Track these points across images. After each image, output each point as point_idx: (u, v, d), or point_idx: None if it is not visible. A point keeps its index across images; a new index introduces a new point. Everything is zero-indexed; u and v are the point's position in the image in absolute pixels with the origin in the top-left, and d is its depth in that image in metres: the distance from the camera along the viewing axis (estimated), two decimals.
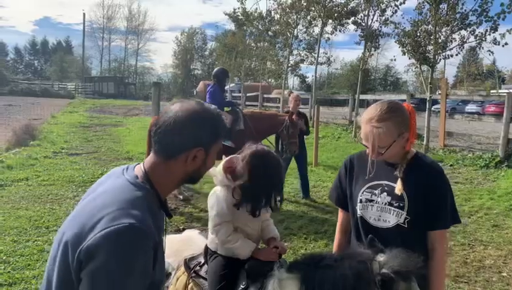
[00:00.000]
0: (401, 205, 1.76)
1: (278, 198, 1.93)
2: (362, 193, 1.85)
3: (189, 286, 1.91)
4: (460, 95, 19.88)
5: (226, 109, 6.70)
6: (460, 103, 30.69)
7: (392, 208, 1.78)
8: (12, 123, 13.79)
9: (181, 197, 6.51)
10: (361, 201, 1.84)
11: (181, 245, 2.17)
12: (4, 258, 4.12)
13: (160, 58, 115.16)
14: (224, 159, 1.96)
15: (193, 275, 1.94)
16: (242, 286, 1.77)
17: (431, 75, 11.01)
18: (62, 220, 5.20)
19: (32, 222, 5.15)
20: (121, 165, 5.64)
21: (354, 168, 1.95)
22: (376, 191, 1.83)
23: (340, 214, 2.08)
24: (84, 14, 55.99)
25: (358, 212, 1.85)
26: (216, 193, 1.90)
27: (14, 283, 3.66)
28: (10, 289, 3.54)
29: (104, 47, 61.48)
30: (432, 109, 10.94)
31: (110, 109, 24.91)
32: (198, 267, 1.97)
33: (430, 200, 1.75)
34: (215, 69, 7.19)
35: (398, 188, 1.77)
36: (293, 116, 6.37)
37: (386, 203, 1.79)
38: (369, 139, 1.75)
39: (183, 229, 4.32)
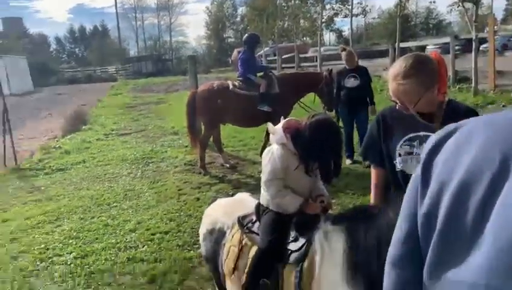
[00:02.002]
0: None
1: (333, 169, 1.97)
2: (400, 146, 1.83)
3: (243, 242, 2.05)
4: (511, 30, 18.47)
5: (258, 74, 6.69)
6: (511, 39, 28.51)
7: None
8: (64, 111, 14.56)
9: (227, 165, 6.71)
10: (400, 155, 1.83)
11: (233, 206, 2.33)
12: (74, 234, 4.52)
13: (194, 31, 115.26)
14: (283, 120, 2.03)
15: (246, 231, 2.08)
16: (291, 238, 1.88)
17: (476, 13, 10.29)
18: (120, 197, 5.58)
19: (94, 200, 5.56)
20: (168, 140, 5.86)
21: (387, 123, 1.92)
22: (415, 143, 1.81)
23: (375, 171, 2.05)
24: None
25: (398, 166, 1.84)
26: (272, 150, 1.98)
27: (85, 255, 4.02)
28: (84, 261, 3.90)
29: (138, 26, 62.33)
30: (480, 48, 10.30)
31: (151, 88, 25.48)
32: (250, 224, 2.10)
33: None
34: (245, 35, 7.15)
35: None
36: (332, 72, 6.31)
37: None
38: (396, 95, 1.73)
39: (233, 195, 4.49)
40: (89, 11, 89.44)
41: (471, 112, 1.79)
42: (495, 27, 10.54)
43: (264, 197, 2.03)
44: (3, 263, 4.02)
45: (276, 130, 1.98)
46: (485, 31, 11.81)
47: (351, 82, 5.96)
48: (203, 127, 6.71)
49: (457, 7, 11.61)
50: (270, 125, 2.11)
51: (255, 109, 6.24)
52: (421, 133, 1.81)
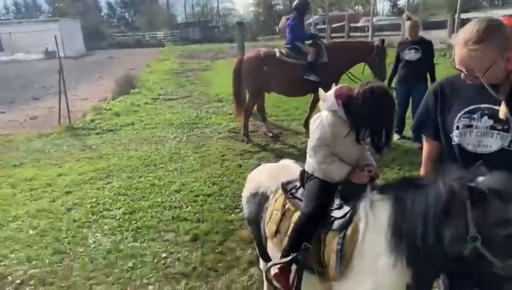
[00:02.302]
0: (505, 127, 1.65)
1: (384, 138, 1.92)
2: (459, 119, 1.75)
3: (286, 206, 2.08)
4: None
5: (307, 42, 6.56)
6: None
7: (495, 132, 1.67)
8: (114, 74, 15.06)
9: (270, 134, 6.73)
10: (457, 128, 1.74)
11: (278, 171, 2.35)
12: (123, 191, 4.77)
13: None
14: (335, 86, 2.00)
15: (290, 196, 2.11)
16: (336, 206, 1.88)
17: None
18: (166, 159, 5.78)
19: (142, 161, 5.80)
20: (213, 106, 5.94)
21: (445, 94, 1.82)
22: (475, 116, 1.71)
23: (427, 144, 1.97)
24: None
25: (455, 139, 1.76)
26: (321, 116, 1.97)
27: (133, 211, 4.25)
28: (131, 217, 4.14)
29: None
30: None
31: (198, 54, 25.70)
32: (294, 190, 2.12)
33: None
34: (295, 1, 6.98)
35: (503, 111, 1.63)
36: (384, 42, 6.13)
37: (487, 127, 1.69)
38: (464, 63, 1.63)
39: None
40: None
41: None
42: None
43: (310, 164, 2.03)
44: (59, 213, 4.34)
45: (328, 97, 1.95)
46: None
47: (411, 54, 5.61)
48: (248, 95, 6.74)
49: None
50: (321, 91, 2.08)
51: (302, 78, 6.16)
52: (483, 106, 1.71)
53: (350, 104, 1.89)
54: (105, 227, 3.98)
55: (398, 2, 48.51)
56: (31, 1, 62.41)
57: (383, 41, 6.17)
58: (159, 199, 4.49)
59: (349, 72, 6.36)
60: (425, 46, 5.62)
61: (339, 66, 6.18)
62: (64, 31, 28.56)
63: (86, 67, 20.94)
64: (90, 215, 4.24)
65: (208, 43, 36.49)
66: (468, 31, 1.63)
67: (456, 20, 13.17)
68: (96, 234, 3.87)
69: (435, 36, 15.01)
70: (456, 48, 1.66)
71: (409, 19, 5.87)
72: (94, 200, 4.60)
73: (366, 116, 1.85)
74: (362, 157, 2.04)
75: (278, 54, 6.36)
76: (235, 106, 6.82)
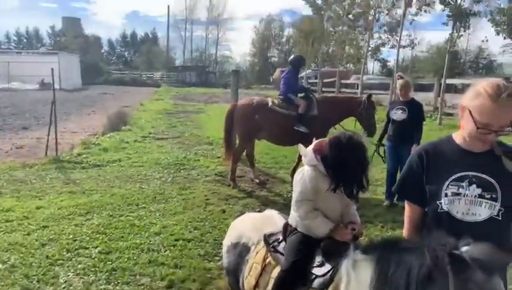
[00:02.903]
0: (494, 196, 1.66)
1: (358, 185, 1.93)
2: (447, 186, 1.73)
3: (267, 260, 2.01)
4: None
5: (299, 94, 6.70)
6: None
7: (484, 201, 1.67)
8: (107, 110, 15.10)
9: (257, 180, 6.69)
10: (446, 195, 1.72)
11: (261, 222, 2.30)
12: (102, 229, 4.61)
13: (239, 47, 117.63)
14: (314, 141, 2.01)
15: (271, 249, 2.04)
16: (317, 263, 1.83)
17: None
18: (149, 199, 5.66)
19: (125, 199, 5.67)
20: (202, 149, 5.92)
21: (430, 159, 1.80)
22: (463, 184, 1.70)
23: (409, 208, 1.91)
24: (168, 6, 59.37)
25: (444, 207, 1.73)
26: (303, 171, 1.96)
27: (110, 251, 4.08)
28: (107, 257, 3.96)
29: (187, 38, 64.12)
30: None
31: (192, 97, 26.09)
32: (276, 243, 2.07)
33: None
34: (292, 56, 7.24)
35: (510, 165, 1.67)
36: (371, 97, 6.28)
37: (475, 196, 1.68)
38: (498, 119, 1.60)
39: (260, 211, 4.45)
40: (142, 18, 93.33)
41: None
42: None
43: (293, 217, 2.00)
44: (32, 247, 4.14)
45: (307, 152, 1.97)
46: None
47: (398, 115, 5.55)
48: (238, 140, 6.77)
49: (511, 49, 11.27)
50: (301, 146, 2.09)
51: (292, 128, 6.23)
52: (470, 173, 1.70)
53: (325, 158, 1.91)
54: (79, 266, 3.80)
55: (388, 63, 50.55)
56: (34, 33, 63.56)
57: (368, 96, 6.31)
58: (138, 241, 4.34)
59: (340, 125, 6.46)
60: (414, 108, 5.54)
61: (328, 119, 6.29)
62: (63, 65, 28.95)
63: (80, 101, 21.01)
64: (64, 253, 4.06)
65: (203, 87, 37.16)
66: (494, 88, 1.62)
67: (442, 85, 13.70)
68: (69, 273, 3.68)
69: (423, 98, 15.52)
70: (480, 106, 1.63)
71: (400, 78, 5.83)
72: (71, 236, 4.42)
73: (336, 167, 1.86)
74: (347, 213, 2.01)
75: (270, 104, 6.49)
76: (225, 149, 6.84)
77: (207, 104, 21.48)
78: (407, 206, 1.94)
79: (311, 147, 1.98)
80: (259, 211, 4.73)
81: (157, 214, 5.14)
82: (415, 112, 5.52)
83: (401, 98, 5.68)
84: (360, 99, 6.50)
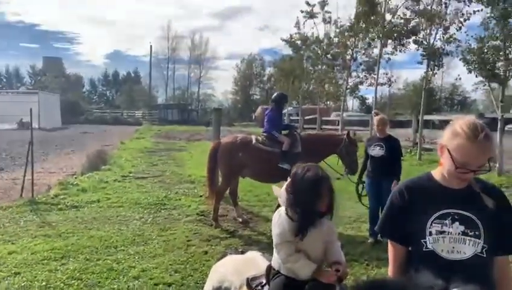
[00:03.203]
0: (477, 233, 1.67)
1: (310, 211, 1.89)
2: (431, 224, 1.71)
3: None
4: None
5: (284, 132, 6.76)
6: None
7: (467, 238, 1.67)
8: (87, 149, 14.88)
9: (240, 219, 6.59)
10: (431, 233, 1.70)
11: (243, 265, 2.22)
12: (78, 275, 4.41)
13: (221, 85, 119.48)
14: (288, 181, 1.99)
15: None
16: None
17: (502, 93, 10.35)
18: (128, 241, 5.48)
19: (103, 242, 5.47)
20: (183, 187, 5.83)
21: (411, 197, 1.79)
22: (446, 221, 1.69)
23: (393, 248, 1.88)
24: (151, 46, 59.94)
25: (429, 246, 1.71)
26: (280, 212, 1.93)
27: None
28: None
29: (169, 76, 64.94)
30: (506, 128, 10.23)
31: (174, 135, 26.05)
32: (259, 288, 2.00)
33: (504, 221, 1.68)
34: (274, 94, 7.36)
35: (490, 203, 1.68)
36: (351, 134, 6.36)
37: (459, 233, 1.68)
38: (476, 159, 1.62)
39: (243, 252, 4.35)
40: (124, 58, 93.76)
41: (500, 191, 1.76)
42: None
43: (276, 259, 1.95)
44: None
45: (282, 192, 1.95)
46: (510, 111, 11.80)
47: (376, 151, 5.59)
48: (221, 178, 6.71)
49: (483, 86, 11.75)
50: (274, 188, 2.08)
51: (276, 165, 6.23)
52: (452, 211, 1.71)
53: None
54: None
55: (367, 100, 51.89)
56: (14, 72, 63.29)
57: (348, 133, 6.39)
58: (115, 286, 4.15)
59: (324, 162, 6.47)
60: (391, 144, 5.59)
61: (311, 156, 6.27)
62: (42, 104, 28.76)
63: (59, 141, 20.69)
64: None
65: (185, 125, 37.24)
66: (472, 128, 1.63)
67: (419, 121, 14.08)
68: None
69: (401, 134, 15.89)
70: (459, 146, 1.64)
71: (376, 114, 5.94)
72: (44, 283, 4.20)
73: (293, 203, 1.85)
74: (331, 251, 1.97)
75: (254, 141, 6.54)
76: (208, 188, 6.76)
77: (189, 142, 21.44)
78: (390, 245, 1.91)
79: (284, 186, 1.96)
80: (242, 252, 4.63)
81: (137, 257, 4.96)
82: (393, 147, 5.60)
83: (378, 135, 5.73)
84: (341, 136, 6.57)
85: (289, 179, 1.96)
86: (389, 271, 1.89)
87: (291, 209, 1.88)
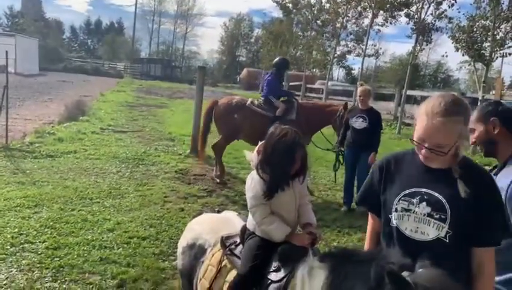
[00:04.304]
0: (443, 217, 1.59)
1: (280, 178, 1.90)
2: (398, 201, 1.67)
3: (223, 263, 1.97)
4: None
5: (282, 99, 6.72)
6: None
7: (432, 220, 1.60)
8: (65, 98, 14.48)
9: (218, 179, 6.63)
10: (396, 210, 1.67)
11: (219, 224, 2.25)
12: (51, 223, 4.39)
13: (207, 43, 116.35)
14: (259, 144, 1.99)
15: (228, 252, 2.01)
16: (273, 268, 1.81)
17: (485, 74, 10.48)
18: (104, 194, 5.46)
19: (78, 193, 5.43)
20: (163, 144, 5.79)
21: (390, 171, 1.76)
22: (414, 200, 1.65)
23: (371, 219, 1.92)
24: None
25: (393, 221, 1.69)
26: (252, 175, 1.94)
27: (58, 247, 3.89)
28: (55, 253, 3.77)
29: (154, 30, 62.90)
30: None
31: (156, 91, 25.58)
32: (233, 246, 2.03)
33: (481, 212, 1.58)
34: (276, 58, 7.28)
35: (463, 189, 1.58)
36: (347, 107, 6.20)
37: (425, 215, 1.61)
38: (429, 135, 1.56)
39: (219, 211, 4.40)
40: (108, 6, 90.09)
41: (485, 177, 1.67)
42: (502, 91, 10.69)
43: (251, 221, 1.97)
44: None
45: (253, 156, 1.95)
46: (491, 93, 11.99)
47: (358, 123, 5.57)
48: (219, 137, 6.82)
49: (468, 65, 11.84)
50: (246, 152, 2.08)
51: (266, 129, 6.16)
52: (423, 190, 1.65)
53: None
54: (24, 262, 3.59)
55: (353, 71, 51.85)
56: None
57: (345, 105, 6.26)
58: (89, 237, 4.16)
59: (321, 132, 6.50)
60: (373, 117, 5.59)
61: (306, 125, 6.13)
62: (20, 48, 27.52)
63: (36, 88, 20.03)
64: (8, 247, 3.82)
65: (168, 82, 36.53)
66: (435, 102, 1.58)
67: (402, 96, 14.19)
68: (12, 269, 3.47)
69: (384, 107, 16.03)
70: (420, 120, 1.60)
71: (361, 85, 5.94)
72: (16, 230, 4.17)
73: (266, 166, 1.86)
74: (304, 213, 2.00)
75: (248, 103, 6.60)
76: (200, 146, 6.95)
77: (171, 99, 21.12)
78: (370, 217, 1.94)
79: (255, 150, 1.97)
80: (218, 211, 4.68)
81: (112, 210, 4.96)
82: (375, 120, 5.62)
83: (360, 106, 5.70)
84: (337, 107, 6.43)
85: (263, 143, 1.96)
86: (367, 240, 1.94)
87: (262, 169, 1.89)
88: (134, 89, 25.67)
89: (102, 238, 4.17)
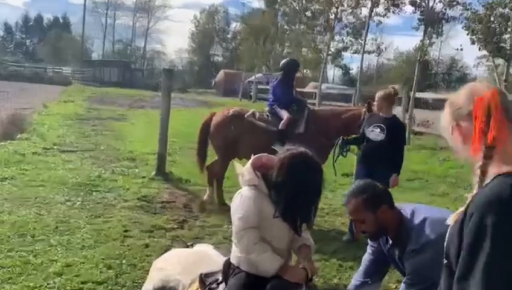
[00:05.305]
0: None
1: (303, 216, 1.99)
2: None
3: None
4: None
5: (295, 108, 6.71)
6: None
7: None
8: None
9: (194, 207, 6.64)
10: None
11: (193, 261, 2.24)
12: None
13: (174, 41, 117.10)
14: (252, 157, 2.02)
15: None
16: None
17: (506, 71, 10.79)
18: (50, 229, 5.38)
19: (17, 229, 5.33)
20: (121, 165, 5.76)
21: None
22: None
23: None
24: None
25: None
26: (241, 193, 1.95)
27: None
28: None
29: (108, 25, 62.93)
30: None
31: (113, 100, 25.50)
32: (215, 285, 2.02)
33: None
34: (283, 60, 7.31)
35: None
36: (371, 106, 5.86)
37: None
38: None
39: (191, 245, 4.38)
40: None
41: None
42: None
43: (235, 253, 1.97)
44: None
45: (246, 170, 1.98)
46: None
47: (374, 134, 5.38)
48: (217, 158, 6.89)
49: (486, 61, 12.19)
50: (236, 164, 2.11)
51: (268, 146, 6.06)
52: None
53: (271, 176, 1.92)
54: None
55: (350, 71, 52.68)
56: None
57: (369, 105, 5.97)
58: (32, 283, 4.08)
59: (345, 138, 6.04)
60: (394, 128, 5.40)
61: (317, 139, 6.06)
62: None
63: None
64: None
65: (127, 88, 36.47)
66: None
67: (410, 99, 14.34)
68: None
69: None
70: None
71: (393, 88, 5.67)
72: None
73: (282, 188, 1.88)
74: (297, 239, 2.03)
75: (247, 114, 6.61)
76: (198, 165, 7.03)
77: (131, 110, 21.10)
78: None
79: (249, 164, 1.99)
80: (191, 245, 4.65)
81: (60, 249, 4.88)
82: (394, 132, 5.38)
83: (381, 114, 5.51)
84: (359, 110, 6.31)
85: (258, 157, 1.98)
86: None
87: (274, 191, 1.94)
88: (86, 98, 25.54)
89: (48, 284, 4.09)
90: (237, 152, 6.64)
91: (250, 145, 6.33)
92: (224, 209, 6.49)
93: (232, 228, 1.99)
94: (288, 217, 1.94)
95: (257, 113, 6.71)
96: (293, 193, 1.89)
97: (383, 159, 5.33)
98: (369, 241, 2.81)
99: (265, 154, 2.04)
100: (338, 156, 5.91)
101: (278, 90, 6.84)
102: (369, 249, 2.88)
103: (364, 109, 6.14)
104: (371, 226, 2.38)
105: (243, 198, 1.94)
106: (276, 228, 1.94)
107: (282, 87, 6.87)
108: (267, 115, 6.70)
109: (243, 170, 1.99)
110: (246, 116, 6.59)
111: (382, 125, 5.37)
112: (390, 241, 2.52)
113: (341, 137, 5.85)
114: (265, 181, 1.95)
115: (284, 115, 6.54)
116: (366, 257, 2.91)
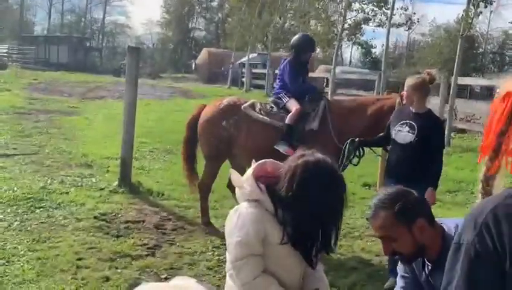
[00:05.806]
0: None
1: (323, 243, 2.02)
2: None
3: None
4: None
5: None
6: None
7: None
8: None
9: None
10: None
11: None
12: None
13: (142, 11, 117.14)
14: (254, 164, 2.02)
15: None
16: None
17: None
18: None
19: None
20: (73, 174, 5.78)
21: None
22: None
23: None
24: None
25: None
26: (239, 210, 1.94)
27: None
28: None
29: None
30: None
31: (61, 88, 25.49)
32: None
33: None
34: (295, 36, 7.32)
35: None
36: (402, 95, 5.71)
37: None
38: None
39: (166, 279, 4.38)
40: None
41: None
42: None
43: (231, 288, 1.98)
44: None
45: (245, 181, 1.97)
46: None
47: (402, 135, 5.17)
48: (204, 164, 6.90)
49: None
50: (233, 172, 2.10)
51: (270, 146, 6.16)
52: None
53: (278, 190, 1.92)
54: None
55: (373, 49, 52.71)
56: None
57: (402, 94, 5.76)
58: None
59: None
60: (427, 125, 5.17)
61: (336, 137, 6.17)
62: None
63: None
64: None
65: (80, 72, 36.46)
66: None
67: (451, 86, 14.28)
68: None
69: None
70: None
71: (428, 74, 5.47)
72: None
73: (294, 205, 1.88)
74: (310, 276, 2.04)
75: (244, 106, 6.56)
76: (187, 175, 7.02)
77: (85, 100, 21.10)
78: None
79: (249, 172, 1.98)
80: (166, 279, 4.64)
81: None
82: (428, 131, 5.19)
83: (411, 107, 5.31)
84: (391, 100, 6.31)
85: (260, 164, 1.98)
86: None
87: (282, 209, 1.95)
88: (26, 85, 25.52)
89: None
90: (231, 155, 6.70)
91: (247, 146, 6.41)
92: (210, 230, 6.54)
93: (226, 256, 1.98)
94: (300, 243, 1.93)
95: (258, 104, 6.69)
96: (306, 213, 1.88)
97: (414, 168, 5.08)
98: (399, 270, 2.80)
99: (271, 160, 2.02)
100: (346, 163, 5.80)
101: (287, 75, 6.79)
102: (400, 282, 2.84)
103: (398, 99, 5.96)
104: (405, 244, 2.34)
105: (241, 217, 1.93)
106: (283, 257, 1.94)
107: (293, 71, 6.81)
108: (271, 107, 6.70)
109: (241, 180, 1.98)
110: (242, 107, 6.56)
111: (412, 122, 5.16)
112: (430, 266, 2.49)
113: (349, 139, 5.70)
114: (270, 196, 1.93)
115: (293, 106, 6.51)
116: None
